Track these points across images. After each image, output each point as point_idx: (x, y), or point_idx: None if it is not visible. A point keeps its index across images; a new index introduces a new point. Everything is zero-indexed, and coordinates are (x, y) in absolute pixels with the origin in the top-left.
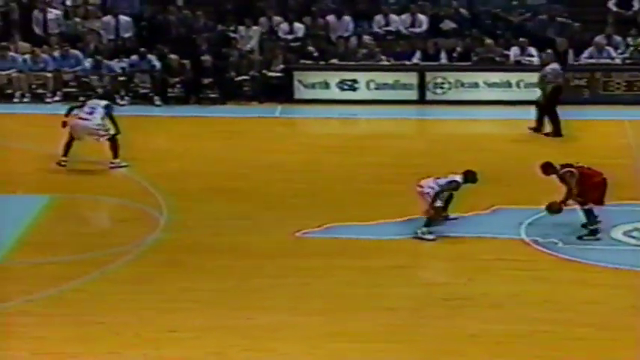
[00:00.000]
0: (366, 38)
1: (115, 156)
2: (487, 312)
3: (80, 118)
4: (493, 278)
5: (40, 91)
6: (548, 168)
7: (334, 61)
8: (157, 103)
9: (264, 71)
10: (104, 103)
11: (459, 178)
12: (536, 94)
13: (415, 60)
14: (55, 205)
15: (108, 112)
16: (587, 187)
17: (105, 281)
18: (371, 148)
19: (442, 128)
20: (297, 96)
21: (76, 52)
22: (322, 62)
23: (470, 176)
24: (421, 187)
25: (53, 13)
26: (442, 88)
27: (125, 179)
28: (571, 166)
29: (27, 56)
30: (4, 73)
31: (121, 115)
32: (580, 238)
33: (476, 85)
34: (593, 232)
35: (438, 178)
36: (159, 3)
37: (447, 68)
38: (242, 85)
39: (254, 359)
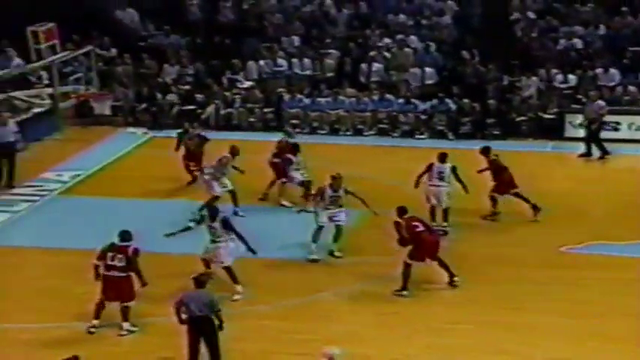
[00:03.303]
0: (631, 88)
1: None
2: None
3: None
4: None
5: (360, 126)
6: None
7: None
8: (450, 137)
9: (539, 113)
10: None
11: None
12: None
13: None
14: (365, 218)
15: None
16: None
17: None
18: (628, 180)
19: None
20: (567, 134)
21: (390, 96)
22: None
23: None
24: None
25: (375, 66)
26: None
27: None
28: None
29: (352, 99)
30: (334, 112)
31: (420, 147)
32: None
33: None
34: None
35: None
36: (458, 58)
37: None
38: (520, 124)
39: (524, 351)
